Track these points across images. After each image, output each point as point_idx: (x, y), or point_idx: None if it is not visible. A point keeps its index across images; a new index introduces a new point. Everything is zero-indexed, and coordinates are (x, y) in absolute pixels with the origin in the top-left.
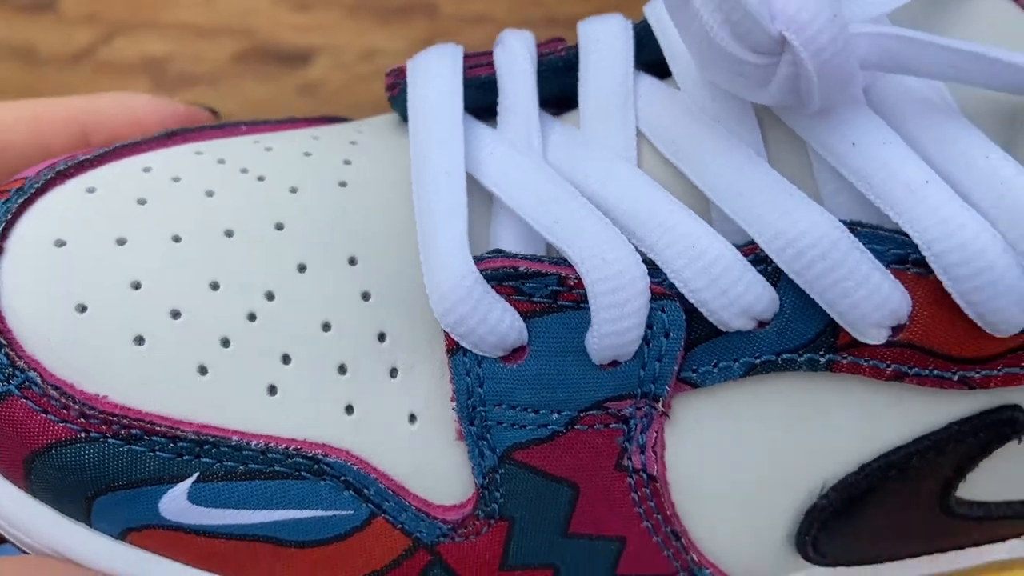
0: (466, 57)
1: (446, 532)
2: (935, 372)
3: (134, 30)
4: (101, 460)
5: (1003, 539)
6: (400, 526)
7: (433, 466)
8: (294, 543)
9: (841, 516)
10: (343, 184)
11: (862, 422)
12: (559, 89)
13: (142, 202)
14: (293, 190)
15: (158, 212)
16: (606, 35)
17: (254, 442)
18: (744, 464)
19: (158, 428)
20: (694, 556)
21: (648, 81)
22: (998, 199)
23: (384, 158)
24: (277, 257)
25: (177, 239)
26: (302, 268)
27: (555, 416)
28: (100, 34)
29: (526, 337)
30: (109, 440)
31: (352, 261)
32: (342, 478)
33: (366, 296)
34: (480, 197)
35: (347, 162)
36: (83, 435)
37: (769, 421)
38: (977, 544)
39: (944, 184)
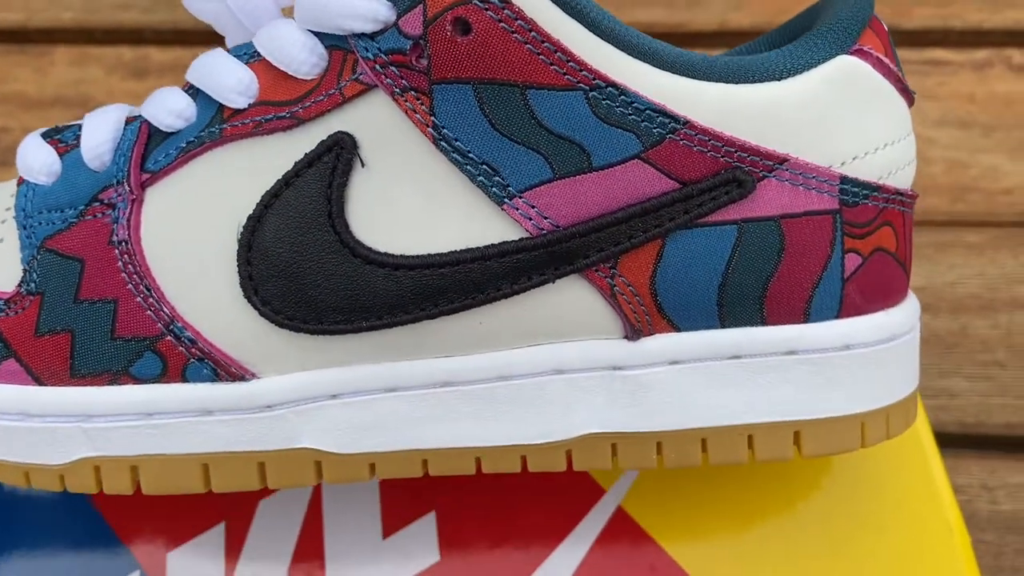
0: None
1: (2, 307)
2: (276, 116)
3: None
4: None
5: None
6: None
7: (3, 268)
8: None
9: (259, 256)
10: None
11: (255, 173)
12: None
13: None
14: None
15: None
16: None
17: None
18: (190, 228)
19: None
20: (167, 310)
21: None
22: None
23: None
24: None
25: None
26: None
27: (71, 211)
28: None
29: (59, 166)
30: None
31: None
32: None
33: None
34: None
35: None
36: None
37: (202, 188)
38: (432, 308)
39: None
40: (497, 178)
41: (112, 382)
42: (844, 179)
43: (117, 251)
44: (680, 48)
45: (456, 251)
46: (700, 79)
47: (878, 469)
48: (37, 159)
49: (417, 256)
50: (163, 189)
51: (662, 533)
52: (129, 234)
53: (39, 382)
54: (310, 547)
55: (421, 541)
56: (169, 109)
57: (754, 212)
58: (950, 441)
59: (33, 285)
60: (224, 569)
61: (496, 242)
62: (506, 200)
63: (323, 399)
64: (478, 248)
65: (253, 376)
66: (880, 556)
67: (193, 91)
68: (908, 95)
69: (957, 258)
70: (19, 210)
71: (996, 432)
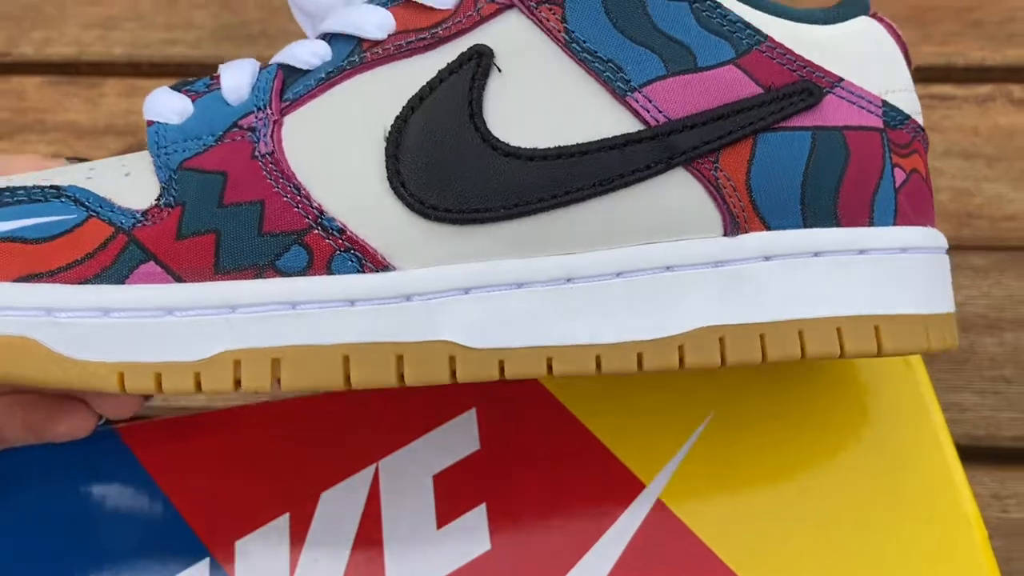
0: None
1: (139, 219)
2: (417, 38)
3: (20, 132)
4: None
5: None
6: (107, 220)
7: (136, 190)
8: (34, 240)
9: (406, 151)
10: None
11: (398, 86)
12: None
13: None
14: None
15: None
16: None
17: (19, 183)
18: (335, 137)
19: None
20: (316, 206)
21: None
22: None
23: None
24: (105, 163)
25: (92, 169)
26: (125, 169)
27: (209, 138)
28: None
29: (192, 109)
30: None
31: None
32: (72, 196)
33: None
34: None
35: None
36: None
37: (346, 105)
38: (563, 195)
39: None
40: (621, 74)
41: (257, 276)
42: (885, 103)
43: (260, 163)
44: None
45: (584, 142)
46: (767, 13)
47: (904, 467)
48: (168, 104)
49: (549, 148)
50: (304, 113)
51: (702, 526)
52: (273, 147)
53: (179, 280)
54: (369, 536)
55: (473, 531)
56: (305, 50)
57: (823, 121)
58: (961, 453)
59: (172, 199)
60: (289, 555)
61: (619, 133)
62: (628, 93)
63: (457, 292)
64: (604, 139)
65: (394, 269)
66: (907, 545)
67: (327, 38)
68: (910, 63)
69: (964, 279)
70: (152, 143)
71: (1006, 444)
